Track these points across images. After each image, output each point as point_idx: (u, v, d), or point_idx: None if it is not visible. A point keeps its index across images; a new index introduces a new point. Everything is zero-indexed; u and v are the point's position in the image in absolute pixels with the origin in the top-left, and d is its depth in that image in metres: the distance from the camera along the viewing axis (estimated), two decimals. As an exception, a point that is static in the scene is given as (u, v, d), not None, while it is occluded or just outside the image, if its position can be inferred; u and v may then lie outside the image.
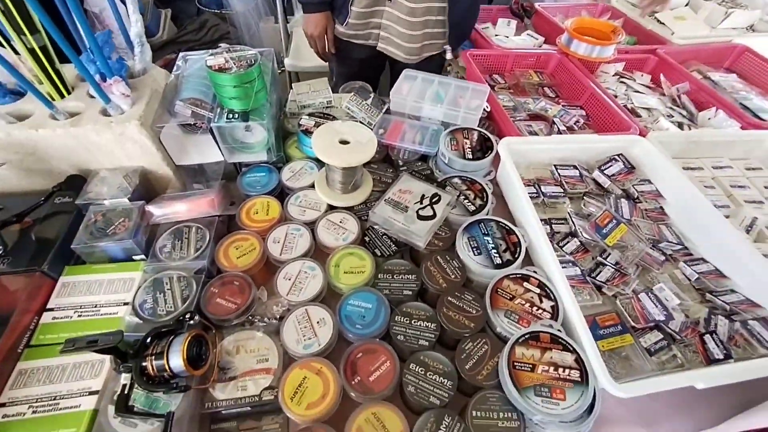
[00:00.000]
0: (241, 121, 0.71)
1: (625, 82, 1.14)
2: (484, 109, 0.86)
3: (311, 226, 0.72)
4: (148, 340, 0.50)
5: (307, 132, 0.81)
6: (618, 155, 0.84)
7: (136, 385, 0.48)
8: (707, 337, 0.60)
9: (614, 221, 0.71)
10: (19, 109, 0.67)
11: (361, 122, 0.86)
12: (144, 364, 0.48)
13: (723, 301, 0.65)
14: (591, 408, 0.50)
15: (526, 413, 0.50)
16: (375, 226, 0.71)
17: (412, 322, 0.59)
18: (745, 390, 0.57)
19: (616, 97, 1.04)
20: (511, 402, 0.51)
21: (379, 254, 0.68)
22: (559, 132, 0.90)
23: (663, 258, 0.71)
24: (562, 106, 1.00)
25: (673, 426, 0.58)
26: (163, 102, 0.73)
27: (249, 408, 0.53)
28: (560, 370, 0.52)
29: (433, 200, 0.72)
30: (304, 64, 1.64)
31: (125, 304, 0.59)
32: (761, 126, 0.94)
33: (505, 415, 0.50)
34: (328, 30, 1.06)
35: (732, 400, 0.59)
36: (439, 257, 0.66)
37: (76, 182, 0.70)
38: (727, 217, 0.73)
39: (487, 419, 0.50)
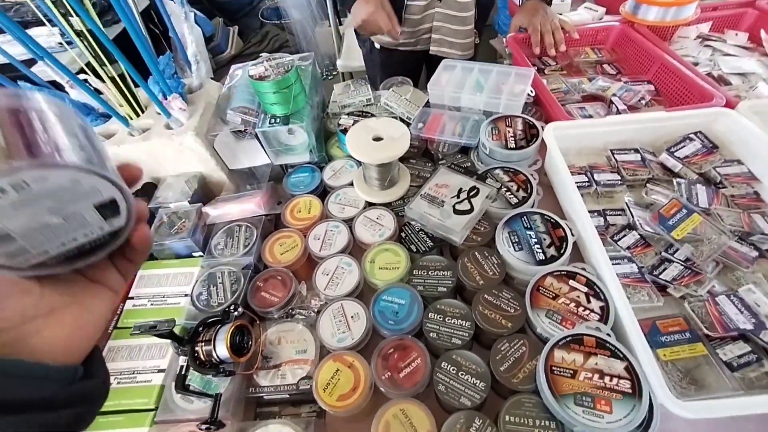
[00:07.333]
0: (283, 125, 0.76)
1: (711, 46, 0.97)
2: (529, 94, 0.80)
3: (349, 223, 0.73)
4: (200, 328, 0.56)
5: (346, 131, 0.83)
6: (695, 133, 0.72)
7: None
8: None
9: (684, 211, 0.61)
10: (107, 129, 0.79)
11: (400, 117, 0.86)
12: (196, 349, 0.54)
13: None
14: (647, 427, 0.44)
15: (565, 423, 0.46)
16: (412, 222, 0.70)
17: (446, 319, 0.58)
18: None
19: (696, 65, 0.89)
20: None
21: (415, 250, 0.67)
22: (619, 113, 0.79)
23: (755, 254, 0.59)
24: (624, 82, 0.88)
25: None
26: (217, 112, 0.80)
27: (288, 395, 0.57)
28: (606, 378, 0.46)
29: (471, 194, 0.69)
30: (356, 63, 1.68)
31: (186, 295, 0.67)
32: None
33: (542, 423, 0.47)
34: (384, 3, 0.91)
35: None
36: (476, 253, 0.64)
37: (149, 188, 0.81)
38: None
39: (521, 425, 0.47)
